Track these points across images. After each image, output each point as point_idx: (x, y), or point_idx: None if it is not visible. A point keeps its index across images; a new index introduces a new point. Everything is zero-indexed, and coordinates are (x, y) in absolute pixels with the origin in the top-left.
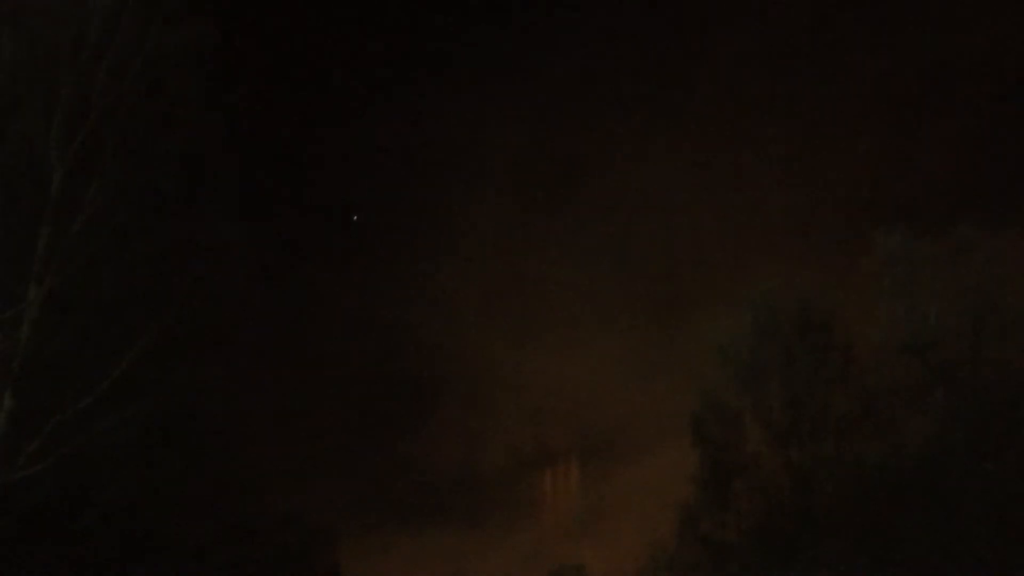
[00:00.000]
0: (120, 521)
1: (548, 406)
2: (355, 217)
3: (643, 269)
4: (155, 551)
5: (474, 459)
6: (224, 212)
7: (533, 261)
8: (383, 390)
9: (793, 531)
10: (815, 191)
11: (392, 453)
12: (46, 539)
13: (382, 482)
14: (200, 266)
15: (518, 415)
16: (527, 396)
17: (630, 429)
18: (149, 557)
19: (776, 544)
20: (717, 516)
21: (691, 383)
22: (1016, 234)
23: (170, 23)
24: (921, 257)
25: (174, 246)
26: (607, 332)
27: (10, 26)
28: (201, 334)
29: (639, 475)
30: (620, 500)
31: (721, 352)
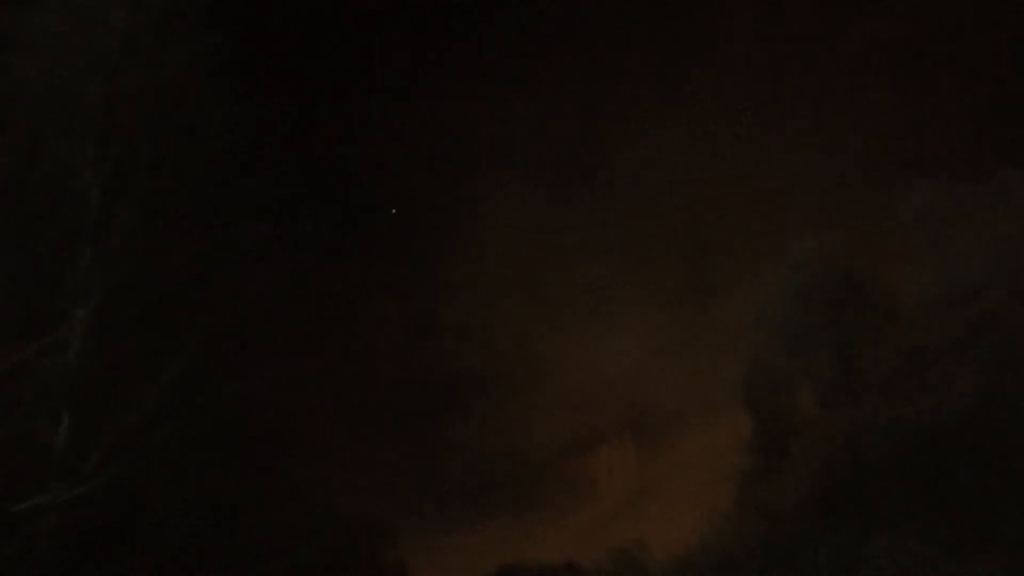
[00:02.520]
0: (177, 531)
1: (595, 388)
2: (393, 210)
3: (678, 243)
4: (214, 560)
5: (525, 444)
6: (259, 215)
7: (567, 243)
8: (428, 381)
9: (848, 494)
10: (845, 149)
11: (443, 444)
12: (104, 554)
13: (436, 473)
14: (240, 271)
15: (565, 397)
16: (573, 380)
17: (680, 404)
18: (208, 566)
19: (832, 508)
20: (773, 483)
21: (736, 352)
22: None
23: (187, 38)
24: (958, 206)
25: (212, 253)
26: (647, 308)
27: (31, 56)
28: (246, 340)
29: (691, 447)
30: (674, 474)
31: (764, 318)
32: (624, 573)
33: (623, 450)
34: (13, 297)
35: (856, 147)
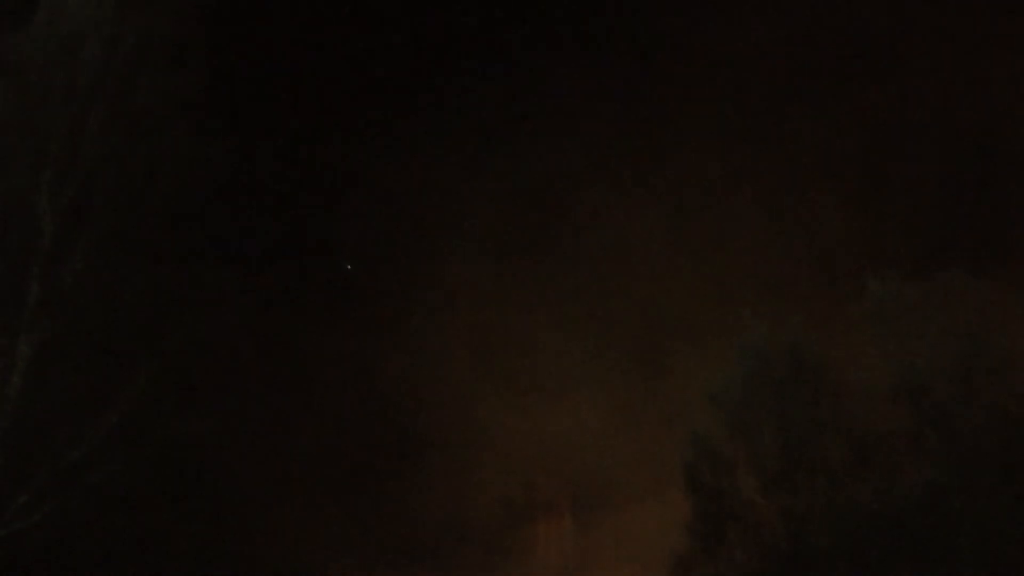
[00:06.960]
0: (107, 574)
1: (538, 459)
2: (348, 267)
3: (629, 320)
4: None
5: (465, 512)
6: (216, 260)
7: (520, 312)
8: (373, 444)
9: None
10: (799, 240)
11: (383, 506)
12: None
13: (373, 535)
14: (191, 316)
15: (508, 469)
16: (516, 450)
17: (621, 480)
18: None
19: None
20: (710, 565)
21: (682, 432)
22: (1003, 278)
23: (159, 73)
24: (911, 302)
25: (165, 295)
26: (596, 384)
27: (5, 80)
28: (191, 385)
29: (631, 525)
30: (612, 550)
31: (712, 399)
32: None
33: (561, 523)
34: None
35: (813, 241)
